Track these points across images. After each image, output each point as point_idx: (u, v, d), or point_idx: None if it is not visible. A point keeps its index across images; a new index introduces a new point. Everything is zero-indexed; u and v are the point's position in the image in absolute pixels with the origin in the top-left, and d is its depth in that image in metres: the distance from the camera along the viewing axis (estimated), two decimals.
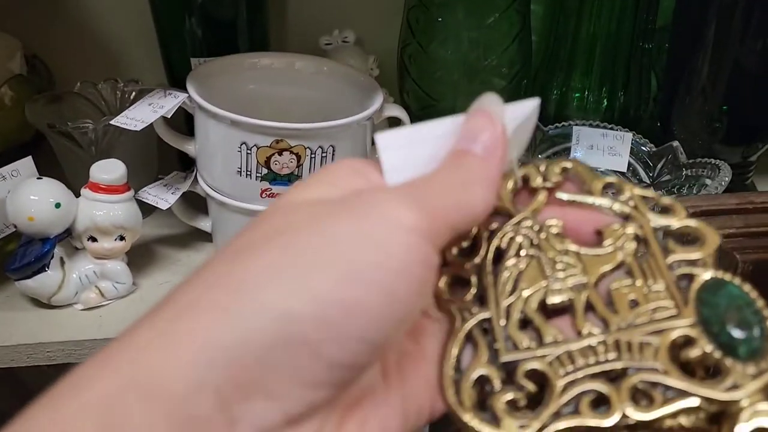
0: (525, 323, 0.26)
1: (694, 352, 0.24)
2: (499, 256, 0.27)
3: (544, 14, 0.74)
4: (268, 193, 0.53)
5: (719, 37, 0.63)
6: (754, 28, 0.62)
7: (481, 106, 0.27)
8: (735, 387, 0.23)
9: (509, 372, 0.25)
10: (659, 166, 0.67)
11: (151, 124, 0.53)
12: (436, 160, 0.26)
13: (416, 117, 0.72)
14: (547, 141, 0.70)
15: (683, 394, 0.23)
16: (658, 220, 0.27)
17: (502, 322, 0.26)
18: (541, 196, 0.28)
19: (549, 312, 0.26)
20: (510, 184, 0.28)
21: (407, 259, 0.22)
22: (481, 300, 0.27)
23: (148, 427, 0.19)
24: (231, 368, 0.20)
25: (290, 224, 0.23)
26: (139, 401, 0.19)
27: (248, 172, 0.52)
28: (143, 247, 0.60)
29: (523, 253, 0.27)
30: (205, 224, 0.59)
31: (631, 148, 0.68)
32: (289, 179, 0.52)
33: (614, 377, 0.24)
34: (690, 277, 0.25)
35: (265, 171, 0.52)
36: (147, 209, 0.58)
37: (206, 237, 0.60)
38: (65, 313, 0.54)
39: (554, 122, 0.70)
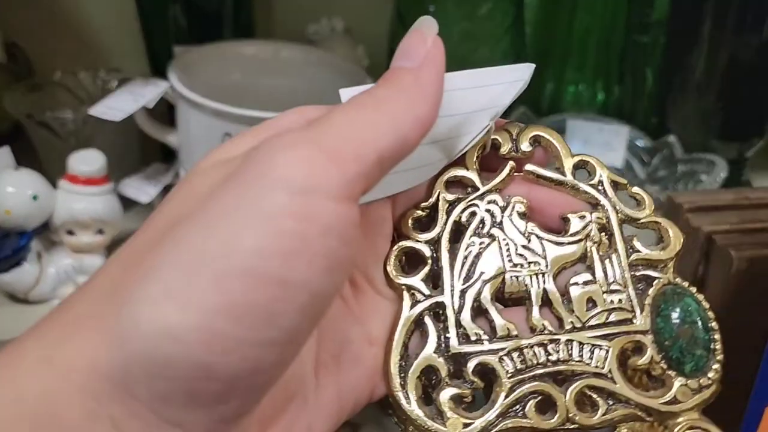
0: (479, 310, 0.25)
1: (642, 361, 0.24)
2: (459, 231, 0.26)
3: (539, 5, 0.72)
4: None
5: (715, 31, 0.62)
6: (750, 22, 0.61)
7: (414, 27, 0.24)
8: (675, 401, 0.24)
9: (458, 363, 0.24)
10: (655, 161, 0.66)
11: (132, 114, 0.51)
12: None
13: None
14: None
15: (626, 402, 0.24)
16: (625, 211, 0.26)
17: (456, 308, 0.25)
18: (508, 168, 0.26)
19: (505, 298, 0.25)
20: (477, 151, 0.26)
21: (300, 232, 0.18)
22: (435, 280, 0.25)
23: None
24: (121, 396, 0.18)
25: (183, 211, 0.20)
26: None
27: None
28: (124, 243, 0.58)
29: (484, 231, 0.25)
30: None
31: (627, 143, 0.67)
32: None
33: (562, 378, 0.24)
34: (649, 280, 0.25)
35: None
36: (128, 203, 0.56)
37: None
38: (43, 309, 0.53)
39: (548, 116, 0.69)
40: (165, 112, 0.57)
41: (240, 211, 0.19)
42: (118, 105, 0.51)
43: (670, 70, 0.66)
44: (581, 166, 0.27)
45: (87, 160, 0.51)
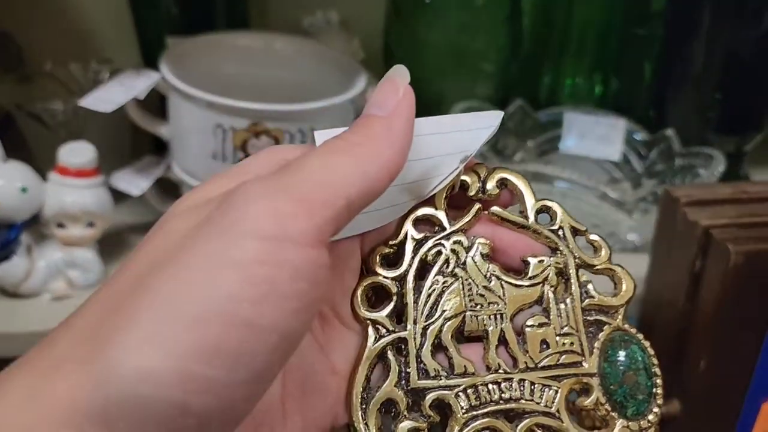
0: (438, 346, 0.26)
1: (588, 402, 0.26)
2: (424, 268, 0.27)
3: None
4: None
5: (714, 24, 0.61)
6: (749, 15, 0.61)
7: (387, 76, 0.25)
8: None
9: (417, 397, 0.26)
10: (652, 154, 0.65)
11: (123, 106, 0.51)
12: None
13: None
14: (538, 128, 0.68)
15: None
16: (582, 257, 0.27)
17: (417, 344, 0.26)
18: (475, 210, 0.27)
19: (464, 335, 0.27)
20: (446, 191, 0.27)
21: (270, 277, 0.20)
22: (399, 315, 0.27)
23: None
24: None
25: (159, 256, 0.21)
26: None
27: (224, 157, 0.50)
28: (115, 236, 0.57)
29: (448, 270, 0.27)
30: None
31: (624, 136, 0.66)
32: None
33: (513, 415, 0.26)
34: (600, 325, 0.27)
35: (241, 155, 0.50)
36: (119, 195, 0.55)
37: None
38: (33, 303, 0.52)
39: (545, 108, 0.68)
40: (157, 103, 0.56)
41: (212, 259, 0.20)
42: (109, 96, 0.50)
43: (668, 63, 0.66)
44: (544, 211, 0.28)
45: (77, 152, 0.51)
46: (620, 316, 0.27)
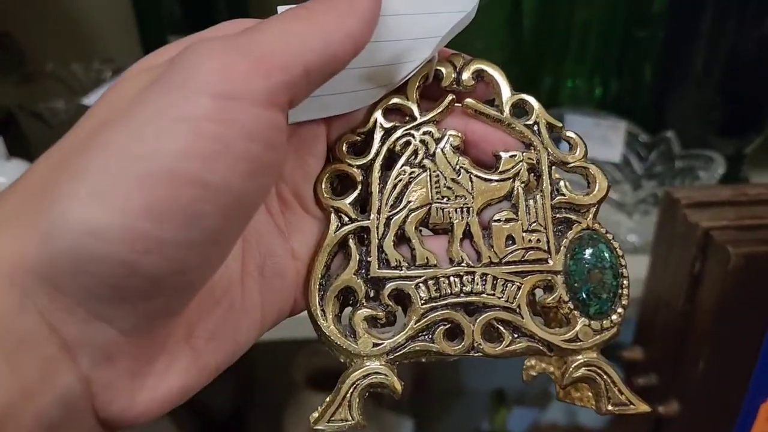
0: (401, 238, 0.26)
1: (550, 299, 0.26)
2: (392, 159, 0.26)
3: None
4: None
5: (715, 25, 0.61)
6: (751, 17, 0.61)
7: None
8: (576, 339, 0.25)
9: (376, 287, 0.26)
10: (652, 156, 0.65)
11: None
12: None
13: None
14: None
15: (530, 336, 0.25)
16: (557, 153, 0.27)
17: (380, 234, 0.26)
18: (448, 100, 0.26)
19: (429, 227, 0.26)
20: (419, 80, 0.26)
21: (221, 135, 0.19)
22: (364, 205, 0.26)
23: None
24: (48, 289, 0.19)
25: (110, 115, 0.20)
26: None
27: None
28: None
29: (416, 161, 0.26)
30: None
31: (624, 138, 0.67)
32: None
33: (473, 309, 0.26)
34: (570, 223, 0.26)
35: None
36: None
37: None
38: None
39: (546, 110, 0.69)
40: None
41: (163, 114, 0.19)
42: None
43: (668, 65, 0.66)
44: (520, 105, 0.27)
45: None
46: (591, 216, 0.26)
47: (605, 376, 0.25)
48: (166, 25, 0.61)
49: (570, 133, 0.27)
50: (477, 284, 0.25)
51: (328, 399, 0.25)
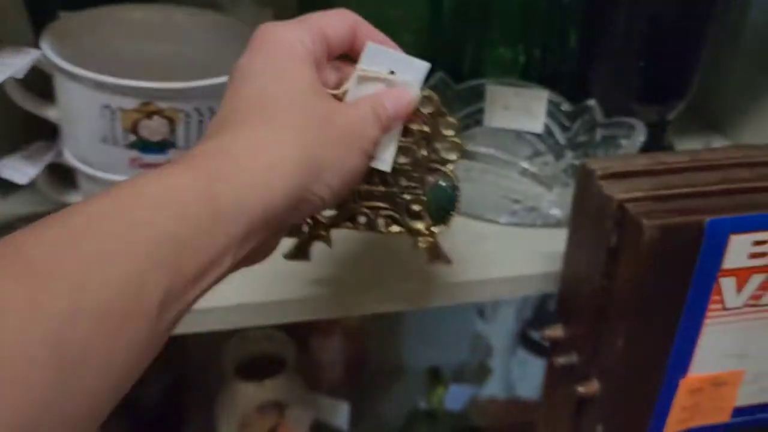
0: None
1: (415, 208, 0.41)
2: None
3: None
4: (138, 162, 0.47)
5: None
6: None
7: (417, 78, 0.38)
8: (424, 232, 0.42)
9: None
10: (575, 126, 0.64)
11: (5, 87, 0.46)
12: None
13: None
14: (459, 100, 0.66)
15: (401, 224, 0.42)
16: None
17: None
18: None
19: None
20: None
21: None
22: None
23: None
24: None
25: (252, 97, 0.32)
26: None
27: (114, 140, 0.46)
28: (5, 229, 0.53)
29: None
30: (75, 199, 0.53)
31: (547, 108, 0.65)
32: (162, 147, 0.46)
33: (375, 214, 0.41)
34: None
35: (132, 138, 0.46)
36: (10, 186, 0.51)
37: None
38: None
39: (468, 80, 0.66)
40: (48, 84, 0.52)
41: None
42: None
43: (589, 32, 0.64)
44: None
45: None
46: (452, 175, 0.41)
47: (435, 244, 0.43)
48: (56, 1, 0.56)
49: (426, 92, 0.39)
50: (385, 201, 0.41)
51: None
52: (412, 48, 0.65)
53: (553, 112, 0.64)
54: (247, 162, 0.29)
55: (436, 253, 0.43)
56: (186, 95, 0.45)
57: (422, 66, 0.38)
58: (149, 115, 0.45)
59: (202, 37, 0.55)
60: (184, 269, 0.26)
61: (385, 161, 0.37)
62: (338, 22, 0.36)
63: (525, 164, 0.52)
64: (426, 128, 0.39)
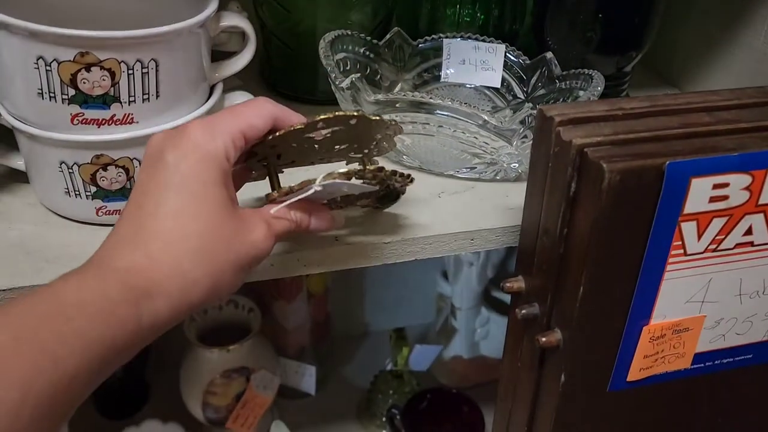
0: None
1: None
2: None
3: None
4: (80, 119, 0.44)
5: None
6: None
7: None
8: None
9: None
10: (533, 79, 0.63)
11: None
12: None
13: (272, 34, 0.65)
14: (417, 56, 0.65)
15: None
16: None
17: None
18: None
19: None
20: None
21: None
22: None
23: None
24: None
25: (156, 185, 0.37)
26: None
27: (52, 94, 0.43)
28: None
29: None
30: (17, 162, 0.51)
31: (505, 62, 0.64)
32: (104, 101, 0.44)
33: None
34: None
35: (72, 92, 0.43)
36: None
37: (21, 177, 0.52)
38: None
39: (426, 36, 0.65)
40: None
41: None
42: None
43: None
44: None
45: None
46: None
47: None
48: None
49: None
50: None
51: None
52: (368, 4, 0.63)
53: (511, 66, 0.63)
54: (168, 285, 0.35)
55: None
56: (127, 45, 0.43)
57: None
58: (88, 67, 0.43)
59: None
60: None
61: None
62: (259, 119, 0.39)
63: (485, 116, 0.50)
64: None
